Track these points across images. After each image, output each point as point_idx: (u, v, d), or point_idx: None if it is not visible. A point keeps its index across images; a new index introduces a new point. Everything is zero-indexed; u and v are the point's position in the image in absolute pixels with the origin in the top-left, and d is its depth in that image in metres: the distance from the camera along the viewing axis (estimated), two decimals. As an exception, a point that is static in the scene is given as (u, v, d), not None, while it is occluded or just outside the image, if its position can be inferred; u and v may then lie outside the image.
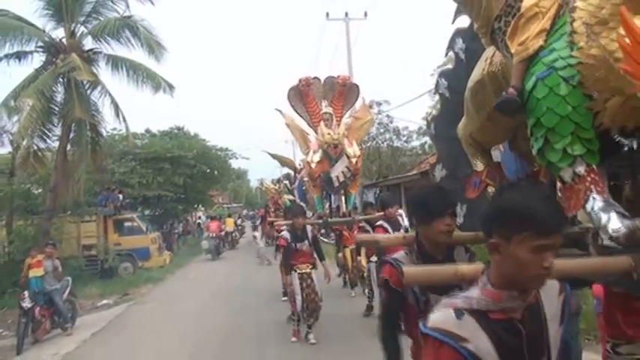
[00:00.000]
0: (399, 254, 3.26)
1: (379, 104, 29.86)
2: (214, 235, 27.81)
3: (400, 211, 9.62)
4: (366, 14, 26.52)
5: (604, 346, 3.78)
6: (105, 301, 15.43)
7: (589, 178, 2.85)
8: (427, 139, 34.31)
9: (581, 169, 2.86)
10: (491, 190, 3.99)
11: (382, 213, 9.22)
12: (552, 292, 1.97)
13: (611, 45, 2.64)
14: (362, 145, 12.33)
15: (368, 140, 27.01)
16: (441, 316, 1.86)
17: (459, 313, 1.83)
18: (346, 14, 26.13)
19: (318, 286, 9.11)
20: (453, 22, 4.11)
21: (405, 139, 34.01)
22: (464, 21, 4.07)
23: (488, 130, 3.85)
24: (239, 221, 37.79)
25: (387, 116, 30.44)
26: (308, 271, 9.08)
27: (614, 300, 3.44)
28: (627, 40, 2.39)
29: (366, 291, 11.02)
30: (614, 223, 2.65)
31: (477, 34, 3.71)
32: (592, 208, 2.78)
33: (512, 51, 3.17)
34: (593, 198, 2.80)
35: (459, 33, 4.48)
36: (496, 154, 4.33)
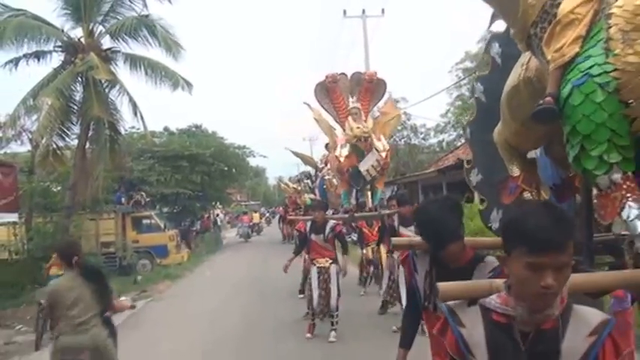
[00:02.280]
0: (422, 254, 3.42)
1: (397, 101, 29.79)
2: (246, 224, 38.12)
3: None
4: (383, 11, 26.59)
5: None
6: (123, 298, 15.43)
7: (625, 186, 2.82)
8: (445, 136, 34.33)
9: (617, 176, 2.83)
10: (527, 195, 3.97)
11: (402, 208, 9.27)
12: (582, 329, 1.87)
13: None
14: (389, 140, 12.29)
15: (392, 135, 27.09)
16: (458, 302, 2.09)
17: (471, 302, 2.03)
18: (363, 11, 26.18)
19: (335, 281, 9.10)
20: (489, 27, 4.16)
21: (422, 136, 34.01)
22: (500, 25, 4.09)
23: (523, 136, 3.83)
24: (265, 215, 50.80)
25: (405, 114, 30.36)
26: (327, 265, 9.11)
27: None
28: None
29: (382, 291, 11.02)
30: None
31: (512, 38, 3.70)
32: (628, 216, 2.75)
33: (549, 57, 3.16)
34: (629, 206, 2.77)
35: (495, 37, 4.49)
36: (531, 154, 4.28)
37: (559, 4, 3.21)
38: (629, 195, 2.80)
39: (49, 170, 17.83)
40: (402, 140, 32.94)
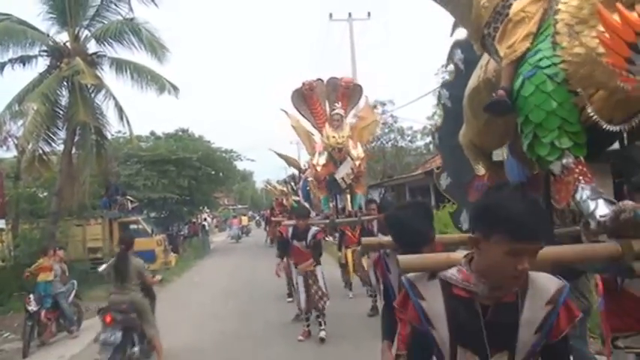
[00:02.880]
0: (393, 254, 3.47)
1: (383, 104, 29.92)
2: (236, 227, 43.15)
3: None
4: (369, 14, 26.56)
5: (608, 342, 3.79)
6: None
7: (577, 170, 2.97)
8: (431, 138, 34.40)
9: (569, 161, 2.99)
10: None
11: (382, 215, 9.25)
12: (540, 299, 1.99)
13: (593, 42, 2.77)
14: (366, 147, 12.30)
15: (372, 140, 27.07)
16: (418, 275, 2.14)
17: (431, 276, 2.09)
18: (350, 15, 26.20)
19: (323, 282, 9.17)
20: (451, 35, 4.27)
21: (409, 138, 34.05)
22: (462, 33, 4.19)
23: (485, 135, 4.02)
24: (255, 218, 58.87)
25: (392, 116, 30.52)
26: (311, 268, 9.17)
27: (611, 292, 3.51)
28: (607, 35, 2.52)
29: (368, 290, 11.04)
30: (601, 209, 2.78)
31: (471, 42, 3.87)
32: (581, 197, 2.91)
33: (501, 54, 3.35)
34: (582, 188, 2.92)
35: (457, 44, 4.66)
36: (497, 153, 4.40)
37: (510, 5, 3.41)
38: (581, 178, 2.95)
39: (35, 176, 17.70)
40: (389, 143, 33.00)
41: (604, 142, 3.19)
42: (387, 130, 30.90)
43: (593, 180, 2.97)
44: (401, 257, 2.39)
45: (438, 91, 5.20)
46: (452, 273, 2.04)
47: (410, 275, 2.13)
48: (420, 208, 3.39)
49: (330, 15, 26.27)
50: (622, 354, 3.38)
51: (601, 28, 2.58)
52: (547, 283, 2.01)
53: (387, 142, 32.35)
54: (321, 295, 9.10)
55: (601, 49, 2.66)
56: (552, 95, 2.98)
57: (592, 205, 2.83)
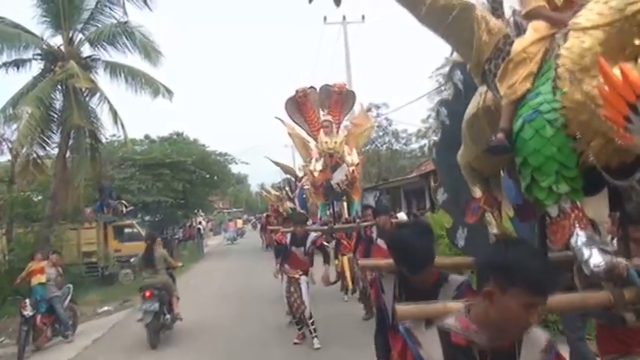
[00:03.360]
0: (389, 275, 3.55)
1: (378, 107, 29.96)
2: (232, 230, 46.43)
3: (399, 215, 9.58)
4: (363, 17, 26.54)
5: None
6: (105, 308, 15.39)
7: (573, 215, 3.01)
8: (426, 141, 34.50)
9: (566, 205, 3.03)
10: (488, 216, 4.16)
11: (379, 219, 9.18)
12: (536, 346, 2.10)
13: (593, 91, 2.77)
14: (361, 149, 12.31)
15: (367, 143, 27.12)
16: (415, 322, 2.21)
17: (428, 324, 2.15)
18: (344, 18, 26.14)
19: (305, 293, 9.19)
20: (451, 55, 4.33)
21: (404, 141, 34.14)
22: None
23: (483, 160, 4.00)
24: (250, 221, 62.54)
25: (386, 119, 30.57)
26: (296, 276, 9.24)
27: (606, 330, 3.61)
28: (607, 89, 2.54)
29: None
30: (596, 258, 2.80)
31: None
32: (575, 243, 2.93)
33: (502, 93, 3.34)
34: (577, 234, 2.95)
35: (456, 65, 4.65)
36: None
37: (512, 42, 3.41)
38: (577, 223, 2.99)
39: (30, 180, 17.64)
40: (384, 146, 33.05)
41: (602, 182, 3.17)
42: (381, 133, 30.97)
43: (589, 226, 3.02)
44: (399, 307, 2.49)
45: (436, 109, 5.26)
46: (450, 321, 2.10)
47: (407, 323, 2.20)
48: (422, 229, 3.40)
49: (325, 18, 26.22)
50: None
51: (602, 78, 2.60)
52: (540, 333, 2.15)
53: (381, 145, 32.41)
54: (299, 304, 9.14)
55: (600, 100, 2.67)
56: (551, 140, 3.01)
57: (587, 253, 2.86)
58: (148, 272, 10.91)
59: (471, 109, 4.01)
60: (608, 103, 2.56)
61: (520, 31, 3.53)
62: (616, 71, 2.49)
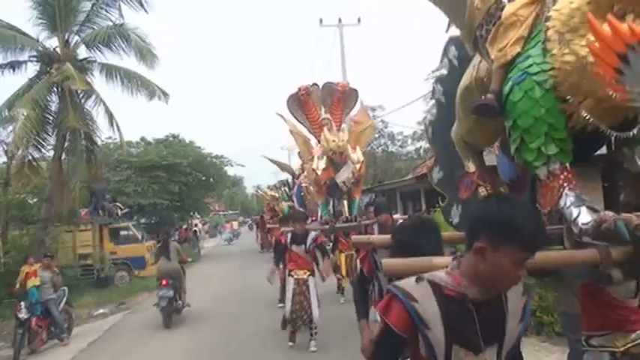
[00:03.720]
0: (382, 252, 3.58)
1: (374, 109, 29.97)
2: (229, 231, 48.94)
3: (397, 217, 9.56)
4: (359, 20, 26.57)
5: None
6: (101, 311, 15.36)
7: (562, 176, 3.04)
8: (422, 143, 34.56)
9: (555, 167, 3.06)
10: (482, 190, 4.17)
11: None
12: (517, 292, 2.17)
13: (582, 50, 2.80)
14: (364, 150, 12.31)
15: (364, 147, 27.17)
16: (403, 280, 2.16)
17: (419, 279, 2.11)
18: (340, 20, 26.19)
19: (314, 293, 9.05)
20: (446, 31, 4.27)
21: (399, 144, 34.20)
22: (457, 30, 4.19)
23: (476, 133, 4.04)
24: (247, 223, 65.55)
25: (382, 121, 30.59)
26: (305, 277, 9.04)
27: (587, 292, 3.54)
28: (597, 45, 2.54)
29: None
30: (584, 216, 2.84)
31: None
32: (565, 204, 2.97)
33: (492, 57, 3.38)
34: (566, 194, 2.99)
35: (452, 41, 4.65)
36: (491, 159, 4.44)
37: (503, 7, 3.42)
38: (566, 184, 3.02)
39: (25, 182, 17.58)
40: (380, 148, 33.08)
41: (591, 147, 3.25)
42: (377, 136, 30.96)
43: (578, 187, 3.05)
44: (385, 261, 2.50)
45: (432, 86, 5.26)
46: (440, 276, 2.11)
47: (396, 284, 2.15)
48: (428, 226, 3.33)
49: (321, 20, 26.26)
50: (596, 353, 3.44)
51: (591, 37, 2.61)
52: None
53: (377, 148, 32.42)
54: (305, 305, 8.97)
55: (591, 58, 2.69)
56: (540, 102, 3.03)
57: (575, 212, 2.90)
58: (163, 261, 12.69)
59: (464, 81, 4.06)
60: (598, 59, 2.57)
61: None
62: (605, 27, 2.50)
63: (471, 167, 4.36)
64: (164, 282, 12.06)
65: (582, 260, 2.80)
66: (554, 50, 2.95)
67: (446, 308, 2.04)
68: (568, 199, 2.97)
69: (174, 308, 12.38)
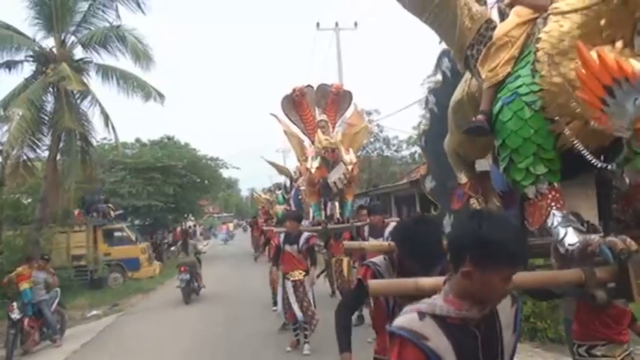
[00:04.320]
0: (378, 258, 3.46)
1: (369, 113, 29.91)
2: (224, 232, 53.31)
3: (388, 220, 9.54)
4: (356, 24, 26.62)
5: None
6: (94, 312, 15.32)
7: (550, 196, 3.09)
8: (417, 148, 34.53)
9: (543, 186, 3.10)
10: (473, 202, 4.24)
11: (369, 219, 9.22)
12: (506, 304, 2.17)
13: (571, 74, 2.84)
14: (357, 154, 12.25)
15: (358, 149, 27.14)
16: (405, 318, 2.07)
17: (421, 315, 2.04)
18: (336, 24, 26.20)
19: (311, 294, 9.03)
20: (440, 42, 4.27)
21: (395, 148, 34.16)
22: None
23: (467, 146, 4.10)
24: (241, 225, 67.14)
25: (377, 125, 30.55)
26: (301, 278, 8.99)
27: (587, 304, 3.59)
28: (583, 70, 2.58)
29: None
30: (571, 237, 2.89)
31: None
32: (552, 224, 3.01)
33: (483, 77, 3.41)
34: (554, 214, 3.03)
35: (445, 53, 4.69)
36: (484, 164, 4.49)
37: (494, 27, 3.49)
38: (553, 204, 3.07)
39: (20, 182, 17.51)
40: (375, 152, 33.07)
41: (580, 166, 3.20)
42: (372, 140, 30.94)
43: (565, 206, 3.08)
44: (371, 283, 2.53)
45: (425, 97, 5.36)
46: (439, 306, 2.06)
47: (400, 325, 2.06)
48: (431, 226, 3.25)
49: (318, 24, 26.29)
50: None
51: (579, 61, 2.64)
52: None
53: (372, 152, 32.41)
54: (307, 306, 8.92)
55: (578, 83, 2.71)
56: (529, 122, 3.07)
57: (562, 232, 2.94)
58: (183, 254, 18.50)
59: (456, 95, 4.10)
60: (585, 86, 2.60)
61: (504, 17, 3.61)
62: (593, 54, 2.53)
63: (462, 178, 4.39)
64: (183, 269, 15.55)
65: (567, 280, 2.82)
66: (543, 72, 2.99)
67: (454, 339, 2.01)
68: (555, 218, 3.02)
69: (191, 288, 15.85)
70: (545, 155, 3.09)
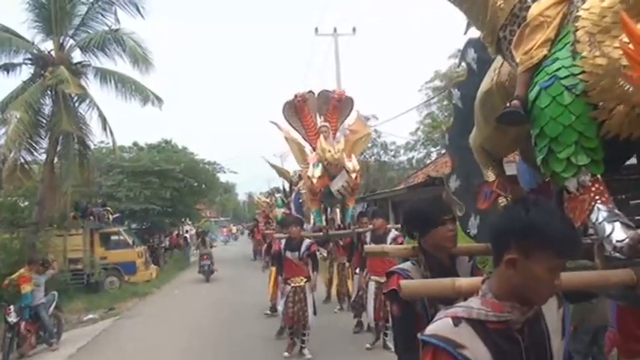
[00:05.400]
0: (406, 264, 3.18)
1: (367, 119, 29.98)
2: (226, 234, 59.81)
3: (390, 226, 9.53)
4: (354, 30, 26.63)
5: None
6: (90, 316, 15.27)
7: (593, 188, 2.80)
8: (414, 154, 34.70)
9: (585, 178, 2.82)
10: (502, 200, 3.94)
11: (371, 223, 9.24)
12: (552, 307, 2.01)
13: (615, 53, 2.62)
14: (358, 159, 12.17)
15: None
16: (439, 325, 1.88)
17: (456, 321, 1.85)
18: (335, 30, 26.22)
19: (311, 299, 9.01)
20: (465, 33, 4.06)
21: (392, 153, 34.36)
22: (476, 32, 4.00)
23: (496, 140, 3.85)
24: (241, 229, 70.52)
25: (375, 131, 30.59)
26: (302, 284, 9.00)
27: (629, 313, 3.22)
28: (630, 46, 2.38)
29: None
30: (618, 233, 2.61)
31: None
32: (596, 219, 2.73)
33: (517, 60, 3.16)
34: (598, 208, 2.75)
35: (470, 43, 4.44)
36: (511, 168, 4.32)
37: (528, 7, 3.22)
38: (597, 198, 2.78)
39: (17, 185, 17.48)
40: (373, 157, 33.16)
41: (621, 157, 3.05)
42: (370, 145, 31.01)
43: (610, 200, 2.82)
44: (403, 283, 2.29)
45: (449, 90, 5.06)
46: (476, 309, 1.88)
47: (433, 332, 1.88)
48: (434, 197, 3.30)
49: (316, 29, 26.32)
50: None
51: (625, 38, 2.46)
52: None
53: (370, 157, 32.50)
54: (304, 312, 8.91)
55: (623, 61, 2.53)
56: (570, 108, 2.80)
57: (608, 228, 2.66)
58: (202, 247, 24.41)
59: (484, 85, 3.86)
60: (633, 62, 2.39)
61: None
62: (639, 27, 2.34)
63: (490, 176, 4.11)
64: (205, 257, 23.05)
65: (616, 281, 2.52)
66: (585, 53, 2.75)
67: (494, 346, 1.84)
68: (600, 213, 2.72)
69: (210, 270, 22.74)
70: (588, 144, 2.80)
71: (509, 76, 3.45)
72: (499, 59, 3.65)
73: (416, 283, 2.27)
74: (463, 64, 4.63)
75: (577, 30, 2.81)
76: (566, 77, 2.81)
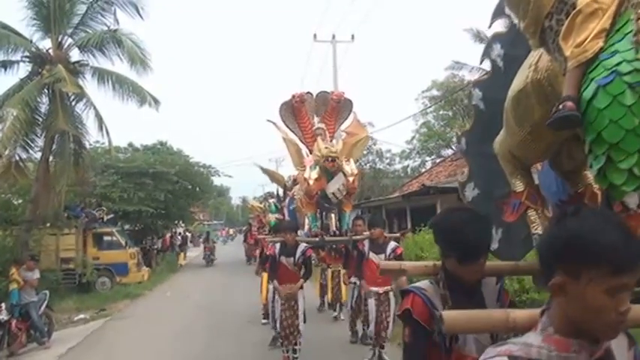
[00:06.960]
0: (423, 283, 2.80)
1: (363, 126, 30.02)
2: (224, 236, 66.65)
3: (388, 235, 9.35)
4: (353, 37, 26.70)
5: None
6: (81, 316, 15.22)
7: None
8: (410, 162, 34.79)
9: None
10: (531, 213, 3.49)
11: (369, 232, 8.84)
12: (621, 345, 1.67)
13: None
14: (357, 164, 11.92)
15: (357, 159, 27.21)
16: None
17: None
18: (333, 36, 26.28)
19: (302, 308, 8.59)
20: (489, 26, 3.66)
21: (387, 161, 34.43)
22: (500, 25, 3.66)
23: (529, 146, 3.38)
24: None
25: (371, 138, 30.66)
26: (295, 292, 8.53)
27: None
28: None
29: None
30: None
31: (517, 38, 3.32)
32: None
33: (567, 54, 2.73)
34: None
35: (496, 38, 3.98)
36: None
37: None
38: None
39: (11, 182, 17.45)
40: (368, 165, 33.22)
41: None
42: (365, 152, 31.09)
43: None
44: (446, 314, 2.01)
45: (469, 91, 4.67)
46: (537, 347, 1.56)
47: None
48: (476, 214, 2.88)
49: (315, 36, 26.39)
50: None
51: None
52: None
53: (365, 164, 32.56)
54: (294, 320, 8.50)
55: None
56: (633, 109, 2.38)
57: None
58: (207, 242, 33.86)
59: (517, 84, 3.34)
60: None
61: None
62: None
63: (519, 186, 3.61)
64: (208, 249, 32.73)
65: None
66: None
67: None
68: None
69: (212, 259, 31.60)
70: None
71: (548, 73, 3.05)
72: (535, 54, 3.22)
73: (461, 317, 1.93)
74: (487, 61, 4.12)
75: (639, 18, 2.47)
76: (628, 73, 2.42)
